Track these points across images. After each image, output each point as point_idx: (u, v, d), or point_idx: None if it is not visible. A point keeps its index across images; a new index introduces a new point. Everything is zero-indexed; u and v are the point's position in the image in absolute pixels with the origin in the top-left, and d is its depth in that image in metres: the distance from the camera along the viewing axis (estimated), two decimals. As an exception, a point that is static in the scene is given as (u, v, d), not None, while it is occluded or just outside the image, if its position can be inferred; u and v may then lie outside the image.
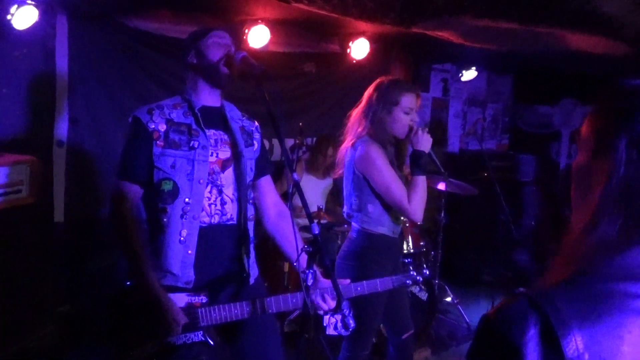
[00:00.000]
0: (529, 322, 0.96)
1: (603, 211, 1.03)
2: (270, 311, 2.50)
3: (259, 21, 4.85)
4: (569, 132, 7.75)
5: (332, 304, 2.48)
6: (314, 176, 5.56)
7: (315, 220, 2.19)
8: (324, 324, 2.12)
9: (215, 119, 2.63)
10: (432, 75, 7.36)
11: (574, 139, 7.68)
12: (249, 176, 2.67)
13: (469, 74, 6.81)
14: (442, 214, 5.33)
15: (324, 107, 6.18)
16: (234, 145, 2.62)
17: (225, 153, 2.60)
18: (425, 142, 3.05)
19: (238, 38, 4.88)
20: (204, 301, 2.46)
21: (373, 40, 5.74)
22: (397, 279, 2.77)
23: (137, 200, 2.51)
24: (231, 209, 2.59)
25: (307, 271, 2.23)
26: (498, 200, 4.70)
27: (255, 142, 2.76)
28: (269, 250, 4.35)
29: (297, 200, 4.90)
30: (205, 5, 4.68)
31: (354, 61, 5.78)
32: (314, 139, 6.13)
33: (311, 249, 2.23)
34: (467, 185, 5.17)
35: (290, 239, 2.69)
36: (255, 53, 4.81)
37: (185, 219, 2.47)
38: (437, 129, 7.36)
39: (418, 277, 2.82)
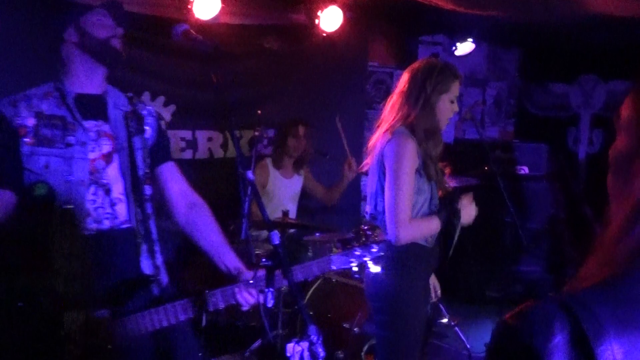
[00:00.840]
0: (556, 327, 0.95)
1: None
2: (188, 316, 2.57)
3: (207, -14, 4.84)
4: (589, 115, 7.84)
5: (258, 297, 2.57)
6: (280, 174, 5.57)
7: (277, 229, 2.20)
8: (288, 355, 2.14)
9: (94, 107, 2.69)
10: (420, 50, 7.38)
11: (596, 123, 7.78)
12: (142, 168, 2.74)
13: (465, 47, 6.83)
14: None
15: (288, 92, 6.19)
16: (116, 137, 2.69)
17: (107, 147, 2.67)
18: (468, 214, 3.30)
19: (180, 7, 4.86)
20: (106, 315, 2.48)
21: (347, 8, 5.76)
22: (337, 258, 2.82)
23: (8, 210, 2.52)
24: (123, 210, 2.66)
25: (266, 290, 2.24)
26: (502, 199, 4.74)
27: (147, 128, 2.83)
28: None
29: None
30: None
31: (325, 34, 5.78)
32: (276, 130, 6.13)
33: (270, 263, 2.24)
34: (464, 177, 5.22)
35: (207, 234, 2.80)
36: (203, 26, 4.79)
37: (68, 226, 2.51)
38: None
39: (364, 256, 2.87)
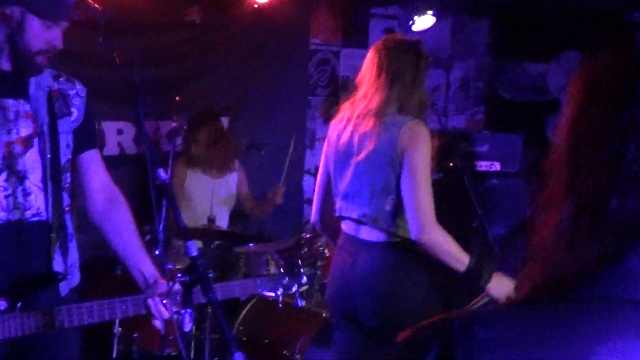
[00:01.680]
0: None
1: None
2: (72, 324, 2.64)
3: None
4: (571, 99, 7.97)
5: (169, 311, 2.71)
6: (205, 174, 5.55)
7: (201, 238, 2.21)
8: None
9: (13, 84, 2.74)
10: (372, 24, 7.47)
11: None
12: (65, 155, 2.84)
13: (424, 21, 6.87)
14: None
15: (214, 74, 6.21)
16: (36, 118, 2.76)
17: (27, 129, 2.74)
18: (501, 289, 3.40)
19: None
20: (2, 308, 2.57)
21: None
22: (263, 283, 2.98)
23: None
24: (38, 201, 2.75)
25: (183, 311, 2.25)
26: (468, 201, 4.80)
27: (74, 110, 2.92)
28: (134, 282, 4.34)
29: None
30: None
31: (257, 5, 5.80)
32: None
33: (187, 279, 2.25)
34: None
35: (123, 235, 2.94)
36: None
37: None
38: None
39: (292, 286, 3.06)
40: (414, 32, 6.95)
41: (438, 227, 3.30)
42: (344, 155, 3.55)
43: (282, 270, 3.16)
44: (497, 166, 7.05)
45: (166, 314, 2.75)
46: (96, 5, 2.54)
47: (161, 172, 2.36)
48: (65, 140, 2.85)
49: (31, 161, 2.74)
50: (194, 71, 6.04)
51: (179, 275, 2.28)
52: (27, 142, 2.74)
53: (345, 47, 7.28)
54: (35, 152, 2.75)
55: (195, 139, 5.48)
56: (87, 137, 3.00)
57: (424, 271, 3.53)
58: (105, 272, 4.72)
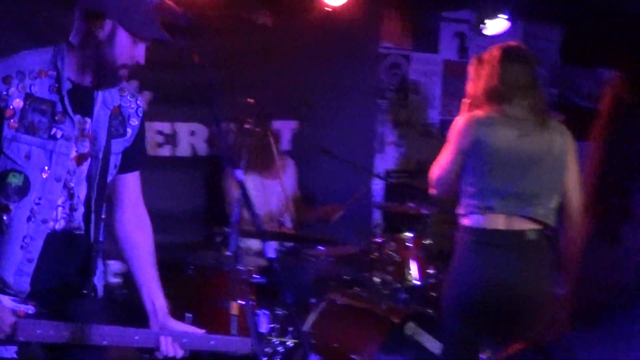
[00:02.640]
0: None
1: None
2: (101, 342, 2.73)
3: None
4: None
5: (178, 351, 2.85)
6: (263, 176, 5.53)
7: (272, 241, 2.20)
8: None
9: (83, 100, 2.81)
10: (443, 28, 7.40)
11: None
12: (111, 174, 2.93)
13: (496, 25, 6.80)
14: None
15: (285, 77, 6.18)
16: (95, 139, 2.84)
17: (84, 148, 2.83)
18: None
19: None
20: (30, 312, 2.71)
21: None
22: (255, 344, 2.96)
23: None
24: (81, 217, 2.85)
25: (259, 312, 2.25)
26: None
27: (129, 130, 2.98)
28: (208, 282, 4.35)
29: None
30: None
31: (328, 9, 5.79)
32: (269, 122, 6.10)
33: (265, 280, 2.25)
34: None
35: (145, 264, 3.04)
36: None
37: (33, 222, 2.72)
38: (450, 106, 7.38)
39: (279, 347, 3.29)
40: (485, 36, 6.89)
41: None
42: (507, 157, 3.97)
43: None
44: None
45: (178, 353, 2.86)
46: (176, 7, 2.53)
47: (238, 173, 2.36)
48: (115, 161, 2.92)
49: (79, 177, 2.83)
50: (264, 74, 6.02)
51: (255, 276, 2.27)
52: (79, 160, 2.82)
53: (416, 51, 7.22)
54: (84, 171, 2.84)
55: (262, 140, 5.45)
56: (135, 158, 3.05)
57: None
58: (176, 271, 4.73)
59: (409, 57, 7.20)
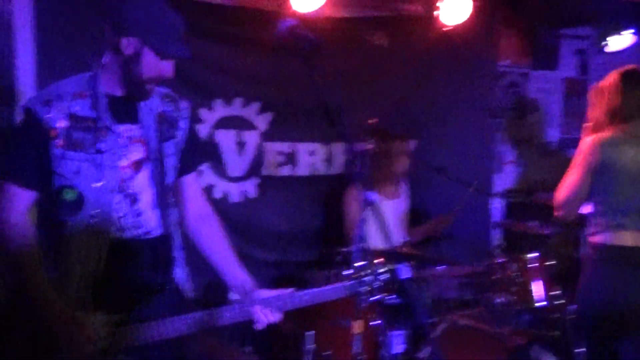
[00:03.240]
0: None
1: None
2: (191, 330, 2.86)
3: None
4: None
5: (275, 316, 3.00)
6: (383, 196, 5.52)
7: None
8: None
9: (126, 110, 2.97)
10: (563, 46, 7.29)
11: None
12: (171, 176, 3.09)
13: (620, 41, 6.64)
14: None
15: (401, 96, 6.22)
16: (148, 143, 2.99)
17: (138, 154, 2.97)
18: None
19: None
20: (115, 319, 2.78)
21: (474, -5, 5.72)
22: (350, 286, 3.19)
23: (25, 209, 2.86)
24: (150, 220, 2.99)
25: (391, 333, 2.24)
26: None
27: (179, 132, 3.14)
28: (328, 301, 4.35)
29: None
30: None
31: (445, 28, 5.77)
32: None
33: (399, 301, 2.26)
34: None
35: (217, 247, 3.23)
36: (304, 20, 4.85)
37: (93, 233, 2.82)
38: (571, 125, 7.25)
39: (375, 281, 3.19)
40: (609, 52, 6.74)
41: None
42: (634, 175, 4.14)
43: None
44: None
45: (266, 319, 3.00)
46: (307, 32, 2.58)
47: (371, 194, 2.37)
48: (172, 162, 3.09)
49: (141, 183, 2.97)
50: (382, 94, 6.07)
51: (389, 297, 2.27)
52: (137, 166, 2.96)
53: (535, 69, 7.12)
54: (146, 175, 2.98)
55: (389, 163, 5.47)
56: (190, 160, 3.23)
57: None
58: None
59: (527, 75, 7.11)
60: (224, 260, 3.21)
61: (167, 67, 2.89)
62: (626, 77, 4.23)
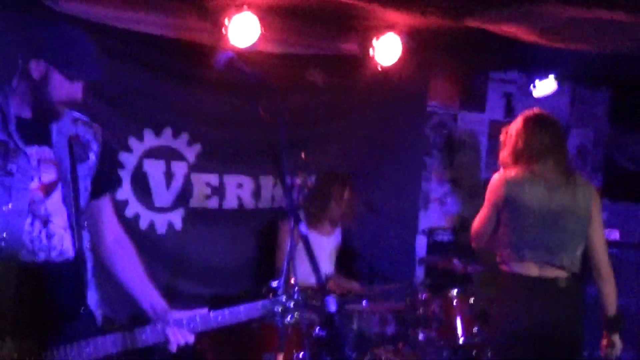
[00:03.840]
0: None
1: None
2: (112, 351, 2.89)
3: (245, 7, 4.93)
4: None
5: (188, 337, 3.03)
6: (317, 231, 5.59)
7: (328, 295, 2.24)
8: None
9: (36, 131, 2.94)
10: (490, 88, 7.46)
11: None
12: (84, 198, 3.07)
13: (545, 86, 6.85)
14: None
15: (335, 133, 6.30)
16: (60, 164, 2.97)
17: (49, 175, 2.94)
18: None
19: (213, 31, 4.98)
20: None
21: (405, 38, 5.83)
22: (264, 305, 3.31)
23: None
24: (64, 242, 2.96)
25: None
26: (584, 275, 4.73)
27: (91, 155, 3.12)
28: (250, 334, 4.37)
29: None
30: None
31: (380, 68, 5.87)
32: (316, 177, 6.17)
33: (325, 334, 2.29)
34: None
35: (133, 270, 3.22)
36: (240, 55, 4.89)
37: (1, 258, 2.78)
38: (495, 166, 7.39)
39: (288, 303, 3.35)
40: (533, 98, 6.94)
41: None
42: (537, 211, 4.36)
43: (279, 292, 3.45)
44: (616, 235, 6.89)
45: (181, 340, 3.02)
46: (245, 66, 2.63)
47: (302, 227, 2.41)
48: (84, 184, 3.06)
49: (54, 205, 2.94)
50: (315, 130, 6.12)
51: (317, 328, 2.31)
52: (49, 188, 2.93)
53: (463, 110, 7.28)
54: (58, 196, 2.95)
55: (331, 194, 5.58)
56: (102, 183, 3.20)
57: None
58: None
59: (456, 116, 7.27)
60: (138, 283, 3.21)
61: (76, 89, 2.90)
62: (530, 120, 4.50)
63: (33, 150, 2.90)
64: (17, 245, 2.83)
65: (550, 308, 4.34)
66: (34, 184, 2.88)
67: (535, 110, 4.61)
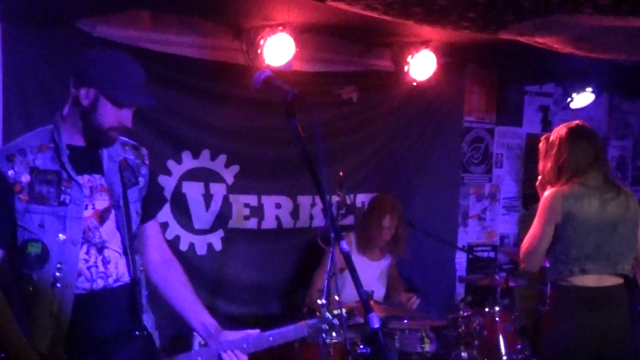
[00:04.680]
0: None
1: None
2: None
3: (280, 28, 4.98)
4: None
5: (242, 358, 3.09)
6: (366, 257, 5.59)
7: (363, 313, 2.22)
8: None
9: (88, 160, 2.99)
10: (527, 102, 7.46)
11: None
12: (135, 222, 3.11)
13: (583, 99, 6.83)
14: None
15: (370, 149, 6.30)
16: (112, 191, 3.01)
17: (103, 202, 2.99)
18: None
19: (248, 52, 5.02)
20: None
21: (441, 53, 5.84)
22: (312, 324, 3.34)
23: None
24: (119, 267, 3.01)
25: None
26: (633, 287, 4.70)
27: (141, 179, 3.17)
28: (291, 353, 4.37)
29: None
30: (203, 5, 4.83)
31: (414, 83, 5.87)
32: (354, 195, 6.14)
33: (368, 351, 2.29)
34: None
35: (180, 291, 3.26)
36: (275, 73, 4.92)
37: (58, 287, 2.83)
38: (533, 180, 7.36)
39: (334, 320, 3.36)
40: (570, 110, 6.91)
41: None
42: (595, 223, 4.33)
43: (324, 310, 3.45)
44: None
45: (243, 358, 3.09)
46: (283, 83, 2.64)
47: (344, 244, 2.40)
48: (135, 209, 3.10)
49: (108, 232, 2.98)
50: (351, 147, 6.13)
51: (361, 347, 2.30)
52: (103, 215, 2.98)
53: (499, 124, 7.26)
54: (112, 223, 3.00)
55: (372, 219, 5.51)
56: (152, 205, 3.28)
57: None
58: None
59: (492, 130, 7.24)
60: (189, 304, 3.25)
61: (126, 117, 2.91)
62: (574, 132, 4.42)
63: (85, 179, 2.94)
64: (73, 273, 2.86)
65: (609, 315, 4.34)
66: (88, 212, 2.92)
67: (578, 122, 4.53)
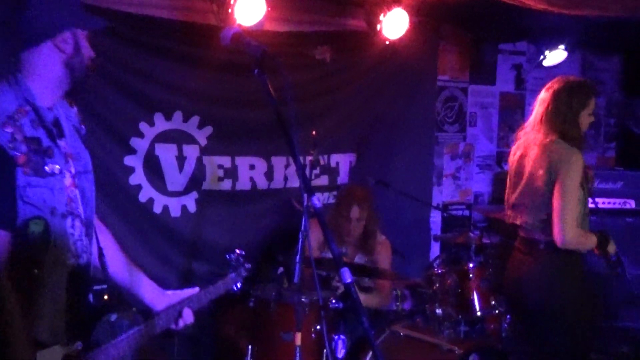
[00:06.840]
0: None
1: None
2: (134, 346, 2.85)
3: (250, -14, 4.96)
4: None
5: (191, 318, 3.04)
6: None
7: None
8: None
9: (56, 122, 2.73)
10: (500, 60, 7.47)
11: None
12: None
13: (555, 56, 6.85)
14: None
15: (344, 110, 6.30)
16: (77, 156, 2.79)
17: (73, 169, 2.75)
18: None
19: (219, 12, 4.99)
20: (80, 347, 2.67)
21: (414, 11, 5.83)
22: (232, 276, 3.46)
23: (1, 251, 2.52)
24: (90, 243, 2.83)
25: (336, 337, 2.31)
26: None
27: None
28: (267, 314, 4.40)
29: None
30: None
31: (387, 42, 5.87)
32: (328, 156, 6.16)
33: (341, 305, 2.31)
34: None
35: (118, 260, 3.03)
36: (246, 33, 4.90)
37: (57, 266, 2.63)
38: (507, 138, 7.41)
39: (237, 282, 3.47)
40: (544, 67, 6.93)
41: (573, 230, 4.31)
42: (516, 175, 4.61)
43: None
44: (631, 204, 6.89)
45: (189, 319, 3.06)
46: (251, 39, 2.62)
47: (315, 200, 2.39)
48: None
49: (80, 202, 2.79)
50: (324, 107, 6.13)
51: (332, 301, 2.33)
52: (74, 185, 2.75)
53: (473, 83, 7.28)
54: (80, 192, 2.79)
55: (337, 227, 5.31)
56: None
57: (578, 275, 4.55)
58: (237, 304, 4.78)
59: (466, 89, 7.27)
60: (130, 274, 3.09)
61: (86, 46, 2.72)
62: (574, 86, 4.54)
63: (62, 144, 2.70)
64: (64, 249, 2.67)
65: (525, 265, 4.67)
66: (67, 181, 2.70)
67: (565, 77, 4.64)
